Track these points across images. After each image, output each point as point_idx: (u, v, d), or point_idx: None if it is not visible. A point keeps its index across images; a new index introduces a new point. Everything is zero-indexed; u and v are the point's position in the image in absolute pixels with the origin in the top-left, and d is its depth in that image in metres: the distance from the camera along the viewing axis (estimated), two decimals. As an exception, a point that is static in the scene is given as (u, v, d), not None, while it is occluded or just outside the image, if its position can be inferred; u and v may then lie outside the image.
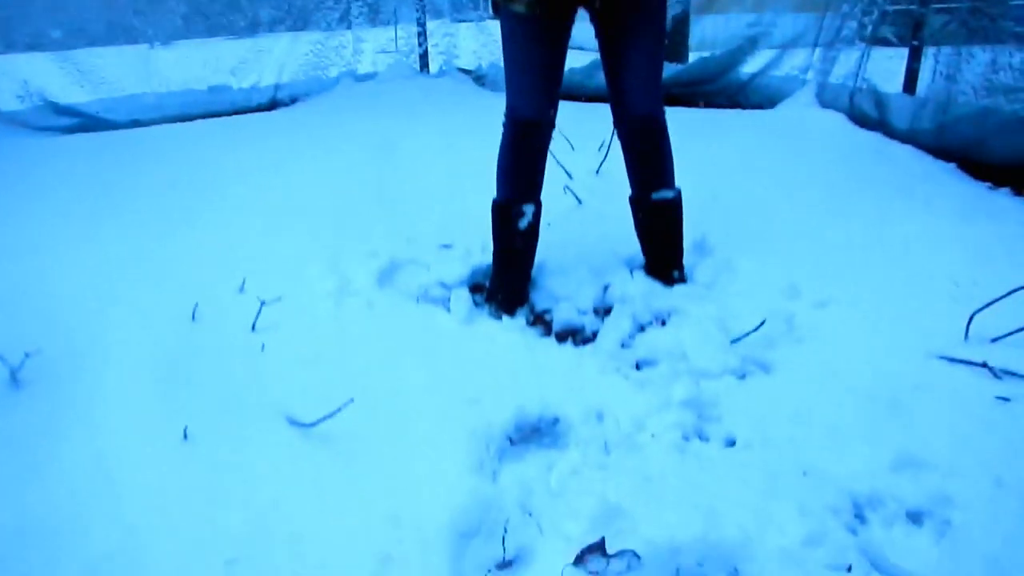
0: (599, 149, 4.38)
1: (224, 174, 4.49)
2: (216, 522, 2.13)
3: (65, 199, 4.16)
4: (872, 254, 3.40)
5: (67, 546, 2.03)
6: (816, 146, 4.82)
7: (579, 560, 2.04)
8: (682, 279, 3.18)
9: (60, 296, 3.05)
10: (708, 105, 6.08)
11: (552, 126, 3.07)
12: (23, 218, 3.88)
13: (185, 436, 2.36)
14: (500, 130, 3.09)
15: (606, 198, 3.70)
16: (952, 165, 4.44)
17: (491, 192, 3.16)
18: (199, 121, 5.90)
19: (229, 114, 6.12)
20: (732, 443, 2.36)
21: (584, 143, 4.49)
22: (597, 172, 4.25)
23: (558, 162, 3.29)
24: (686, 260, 3.23)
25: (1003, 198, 4.06)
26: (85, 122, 5.68)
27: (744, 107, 5.99)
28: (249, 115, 6.10)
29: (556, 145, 3.21)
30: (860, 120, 5.20)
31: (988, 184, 4.22)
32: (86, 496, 2.19)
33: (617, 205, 3.29)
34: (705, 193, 3.80)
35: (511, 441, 2.51)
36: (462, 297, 3.14)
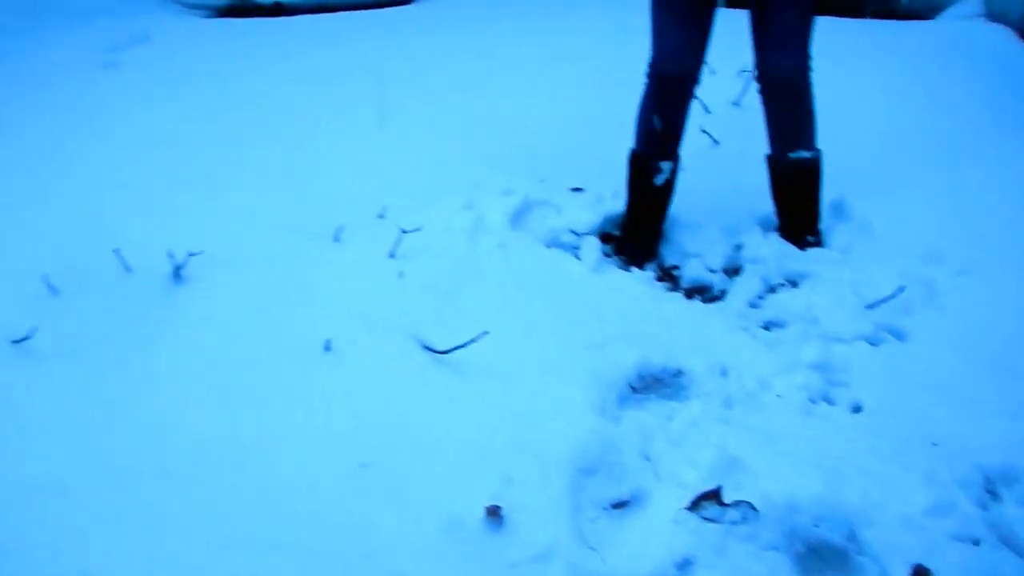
0: (739, 73, 4.07)
1: (362, 83, 4.47)
2: (353, 427, 2.28)
3: (204, 89, 4.28)
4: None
5: (216, 428, 2.23)
6: (977, 73, 4.39)
7: (694, 506, 2.08)
8: (817, 244, 3.11)
9: (216, 199, 3.23)
10: (858, 15, 5.43)
11: (698, 81, 3.01)
12: (178, 107, 4.06)
13: (327, 347, 2.51)
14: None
15: (745, 137, 3.50)
16: None
17: (627, 131, 3.12)
18: (341, 13, 5.81)
19: (373, 4, 6.02)
20: (859, 409, 2.34)
21: (725, 63, 3.99)
22: (738, 103, 4.07)
23: (695, 96, 3.19)
24: (822, 222, 3.16)
25: None
26: (233, 4, 5.81)
27: (899, 17, 5.40)
28: (390, 9, 5.94)
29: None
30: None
31: None
32: (235, 380, 2.38)
33: (756, 146, 3.17)
34: (848, 139, 3.57)
35: (633, 388, 2.55)
36: (592, 245, 3.17)
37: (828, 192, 3.15)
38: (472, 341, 2.51)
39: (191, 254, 2.76)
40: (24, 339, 2.40)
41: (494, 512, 2.03)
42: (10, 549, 1.86)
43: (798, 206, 3.12)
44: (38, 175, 3.37)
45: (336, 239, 3.09)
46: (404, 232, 3.02)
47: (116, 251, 2.76)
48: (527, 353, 2.60)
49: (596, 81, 4.40)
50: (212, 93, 4.24)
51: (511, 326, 2.72)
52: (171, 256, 2.70)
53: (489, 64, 4.73)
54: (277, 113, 4.03)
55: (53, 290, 2.65)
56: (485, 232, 3.21)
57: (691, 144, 3.35)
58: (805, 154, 3.03)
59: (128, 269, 2.78)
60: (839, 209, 3.27)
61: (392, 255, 3.00)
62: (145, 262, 2.78)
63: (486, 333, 2.51)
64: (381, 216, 3.25)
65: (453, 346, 2.53)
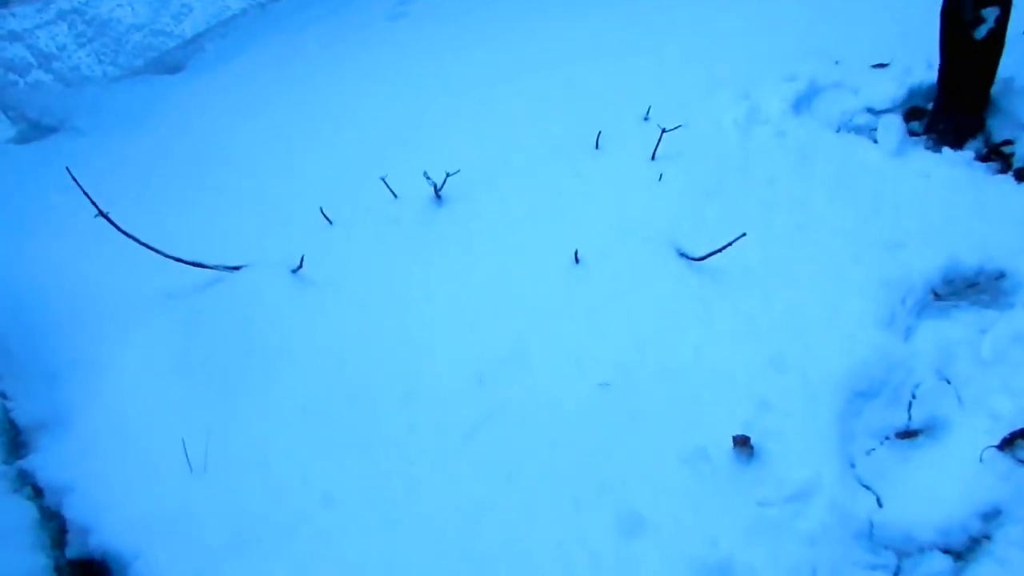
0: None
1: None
2: (597, 345, 2.13)
3: (479, 31, 4.05)
4: None
5: (460, 350, 2.19)
6: None
7: (1007, 444, 1.66)
8: None
9: (479, 123, 3.19)
10: None
11: None
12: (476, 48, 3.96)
13: (576, 259, 2.37)
14: None
15: None
16: None
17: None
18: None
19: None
20: None
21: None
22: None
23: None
24: None
25: None
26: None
27: None
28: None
29: None
30: None
31: None
32: (484, 299, 2.34)
33: None
34: None
35: (936, 295, 2.10)
36: (893, 124, 2.65)
37: None
38: (728, 245, 2.21)
39: (448, 174, 2.75)
40: (299, 268, 2.55)
41: (743, 443, 1.77)
42: (267, 465, 1.99)
43: None
44: (325, 117, 3.56)
45: (596, 147, 2.90)
46: (665, 131, 2.75)
47: (383, 179, 2.83)
48: (797, 257, 2.25)
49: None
50: (485, 34, 4.11)
51: (781, 226, 2.37)
52: (428, 178, 2.71)
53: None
54: (548, 46, 3.80)
55: (328, 221, 2.79)
56: (760, 122, 2.82)
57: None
58: None
59: (395, 196, 2.85)
60: None
61: (652, 158, 2.75)
62: (410, 187, 2.83)
63: (743, 235, 2.20)
64: (645, 119, 3.00)
65: (708, 252, 2.25)
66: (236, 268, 2.62)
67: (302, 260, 2.53)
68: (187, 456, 2.02)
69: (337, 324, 2.39)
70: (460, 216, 2.72)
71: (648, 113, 3.00)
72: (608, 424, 1.93)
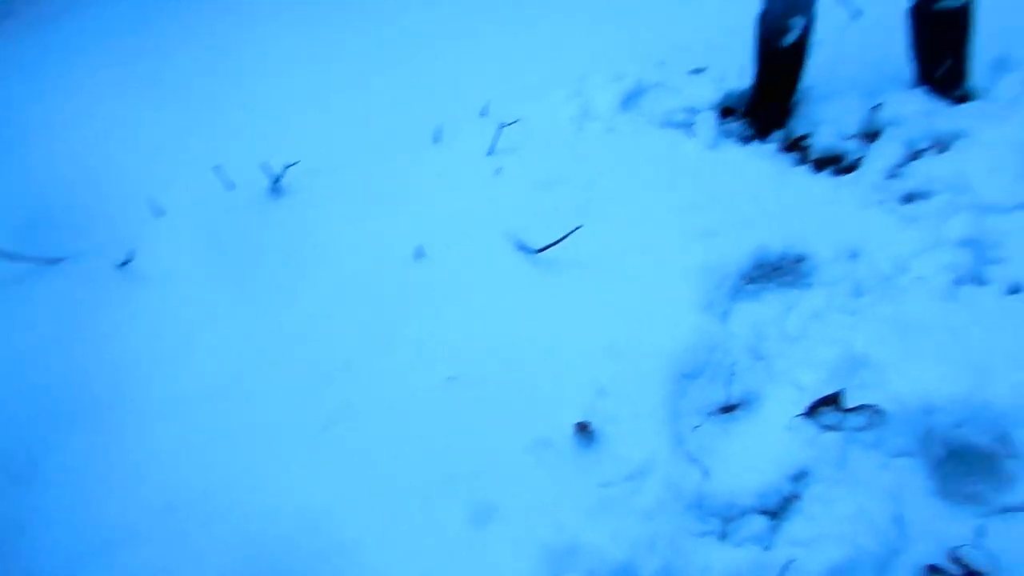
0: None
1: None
2: (439, 337, 2.18)
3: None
4: None
5: (304, 348, 2.19)
6: None
7: (811, 412, 1.86)
8: (965, 97, 2.64)
9: (319, 112, 3.16)
10: None
11: None
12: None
13: (418, 254, 2.41)
14: None
15: (893, 7, 3.12)
16: None
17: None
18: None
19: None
20: (1017, 289, 1.97)
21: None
22: (884, -29, 3.56)
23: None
24: (981, 79, 2.66)
25: None
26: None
27: None
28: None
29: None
30: None
31: None
32: (327, 294, 2.35)
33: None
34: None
35: (747, 279, 2.30)
36: (708, 120, 2.85)
37: (990, 48, 2.64)
38: (565, 237, 2.33)
39: (287, 166, 2.73)
40: (127, 262, 2.44)
41: (584, 428, 1.88)
42: (100, 475, 1.92)
43: (942, 59, 2.64)
44: (152, 99, 3.41)
45: (435, 140, 2.95)
46: (503, 126, 2.84)
47: (217, 168, 2.76)
48: (629, 246, 2.39)
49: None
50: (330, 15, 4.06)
51: (614, 218, 2.50)
52: (265, 169, 2.66)
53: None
54: (389, 32, 3.83)
55: (158, 211, 2.68)
56: (591, 119, 2.96)
57: (828, 16, 2.89)
58: (954, 3, 2.53)
59: (230, 186, 2.78)
60: (1003, 64, 2.69)
61: (491, 152, 2.83)
62: (247, 178, 2.77)
63: (580, 227, 2.32)
64: (483, 114, 3.07)
65: (546, 244, 2.35)
66: (56, 261, 2.47)
67: (131, 254, 2.43)
68: (8, 465, 1.91)
69: (172, 321, 2.32)
70: (300, 208, 2.70)
71: (486, 108, 3.08)
72: (456, 416, 1.99)
